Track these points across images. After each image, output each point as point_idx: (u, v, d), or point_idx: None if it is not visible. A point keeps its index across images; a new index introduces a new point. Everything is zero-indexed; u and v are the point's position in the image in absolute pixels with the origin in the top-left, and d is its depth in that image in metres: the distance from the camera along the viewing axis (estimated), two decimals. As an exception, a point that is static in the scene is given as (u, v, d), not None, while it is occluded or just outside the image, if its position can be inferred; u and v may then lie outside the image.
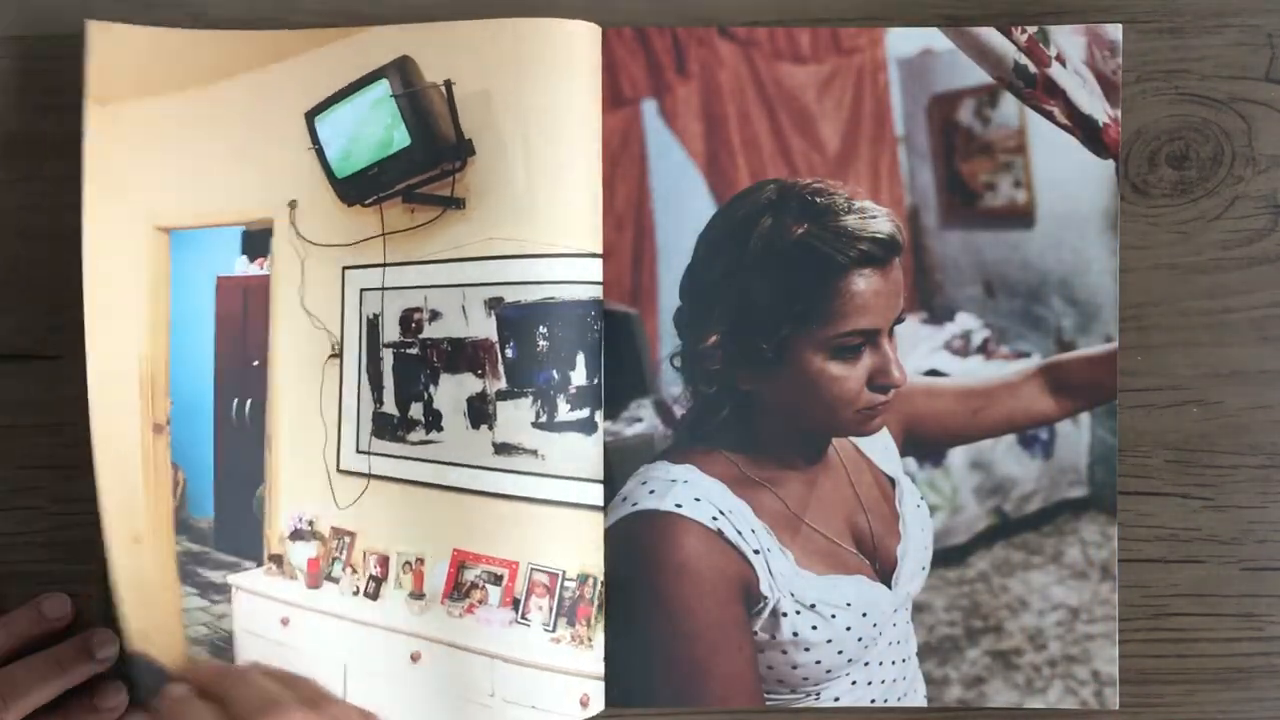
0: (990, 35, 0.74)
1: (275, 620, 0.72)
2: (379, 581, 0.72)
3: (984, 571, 0.74)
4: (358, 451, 0.73)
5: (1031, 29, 0.74)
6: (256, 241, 0.73)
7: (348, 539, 0.72)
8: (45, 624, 0.71)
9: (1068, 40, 0.74)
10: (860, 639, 0.73)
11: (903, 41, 0.75)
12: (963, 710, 0.74)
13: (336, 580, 0.72)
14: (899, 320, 0.73)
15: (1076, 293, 0.74)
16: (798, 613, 0.72)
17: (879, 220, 0.73)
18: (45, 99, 0.75)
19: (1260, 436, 0.73)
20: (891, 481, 0.75)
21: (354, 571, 0.72)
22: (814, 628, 0.72)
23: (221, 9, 0.75)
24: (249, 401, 0.73)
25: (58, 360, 0.74)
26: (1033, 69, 0.74)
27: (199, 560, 0.72)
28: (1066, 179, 0.74)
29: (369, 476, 0.73)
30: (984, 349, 0.75)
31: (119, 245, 0.72)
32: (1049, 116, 0.74)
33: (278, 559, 0.72)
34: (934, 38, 0.74)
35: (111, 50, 0.72)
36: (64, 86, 0.74)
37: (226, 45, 0.73)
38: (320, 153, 0.73)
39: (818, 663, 0.73)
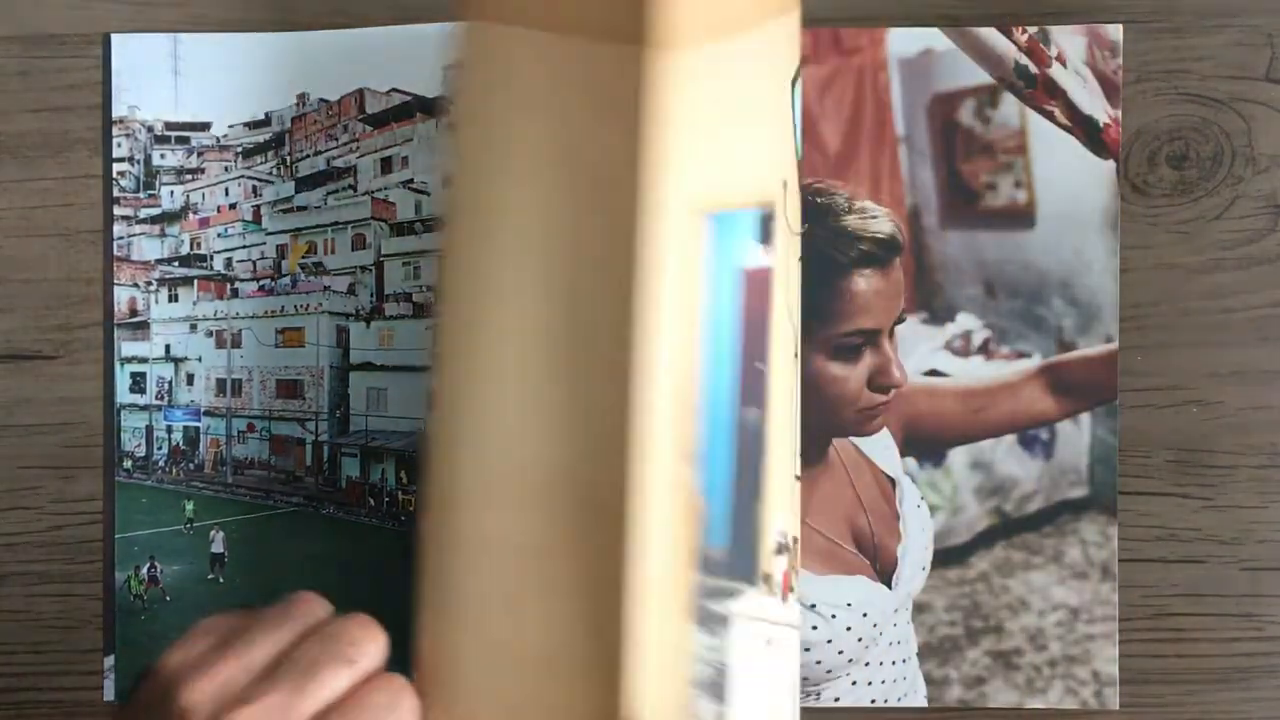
0: (991, 35, 0.74)
1: (762, 642, 0.65)
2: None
3: (984, 572, 0.74)
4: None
5: (1032, 29, 0.74)
6: (764, 227, 0.63)
7: (797, 547, 0.68)
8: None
9: (1068, 40, 0.74)
10: (860, 639, 0.73)
11: (903, 41, 0.75)
12: (963, 710, 0.74)
13: (794, 590, 0.67)
14: (899, 320, 0.74)
15: (1077, 293, 0.74)
16: (798, 613, 0.72)
17: (879, 220, 0.74)
18: (48, 99, 0.75)
19: (1260, 436, 0.73)
20: (892, 482, 0.75)
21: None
22: (814, 628, 0.73)
23: (222, 9, 0.75)
24: (755, 411, 0.63)
25: (58, 360, 0.74)
26: (1033, 69, 0.74)
27: (710, 594, 0.63)
28: (1067, 179, 0.74)
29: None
30: (985, 349, 0.75)
31: (662, 232, 0.58)
32: (1049, 117, 0.74)
33: (768, 578, 0.65)
34: (934, 38, 0.74)
35: None
36: (67, 87, 0.74)
37: None
38: (796, 130, 0.66)
39: (818, 663, 0.73)
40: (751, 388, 0.63)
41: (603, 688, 0.59)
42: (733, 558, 0.64)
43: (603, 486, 0.58)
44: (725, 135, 0.61)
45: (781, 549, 0.68)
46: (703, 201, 0.60)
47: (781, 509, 0.67)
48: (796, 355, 0.67)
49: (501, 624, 0.61)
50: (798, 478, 0.69)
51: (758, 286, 0.63)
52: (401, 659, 0.61)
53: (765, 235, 0.63)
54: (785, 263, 0.65)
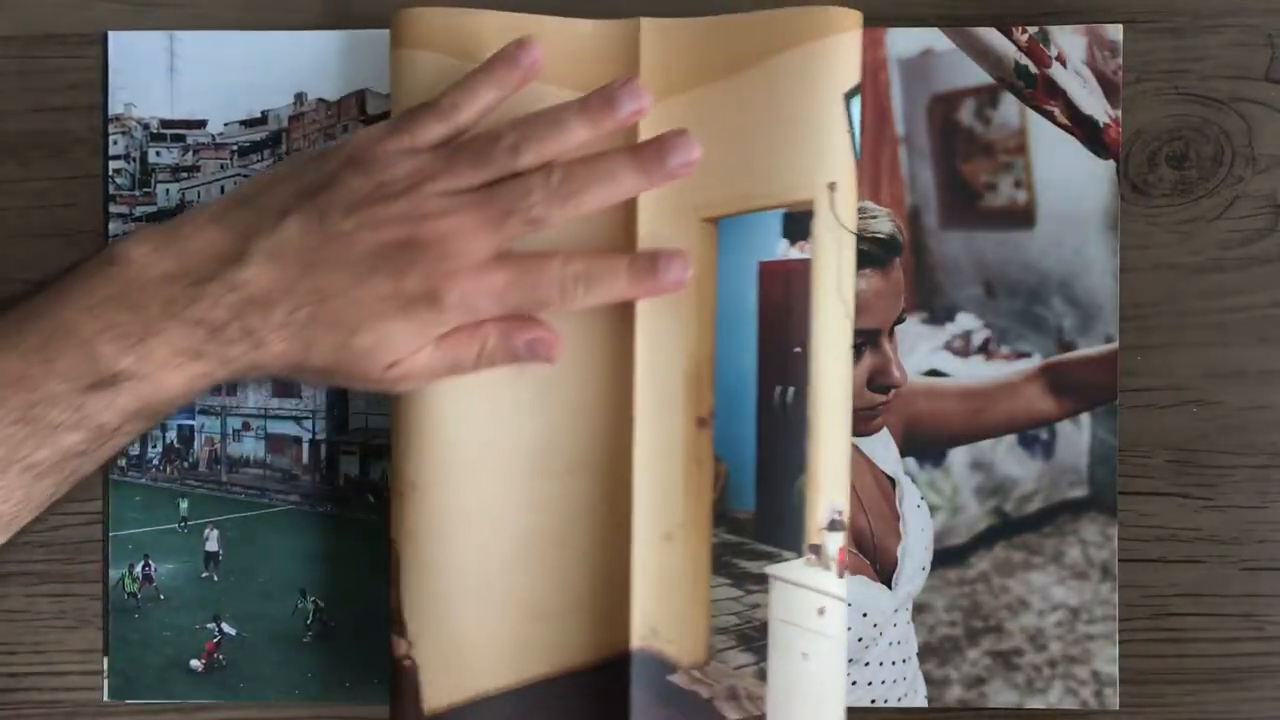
0: (991, 35, 0.74)
1: (813, 610, 0.70)
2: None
3: (984, 572, 0.74)
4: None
5: (1032, 29, 0.74)
6: (797, 224, 0.70)
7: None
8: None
9: (1068, 40, 0.74)
10: (860, 639, 0.73)
11: (903, 41, 0.75)
12: (963, 710, 0.74)
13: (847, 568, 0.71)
14: (899, 320, 0.74)
15: (1077, 293, 0.74)
16: (798, 613, 0.72)
17: (879, 220, 0.74)
18: (48, 99, 0.75)
19: (1260, 436, 0.73)
20: (892, 481, 0.75)
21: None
22: (814, 628, 0.73)
23: (224, 9, 0.75)
24: (790, 390, 0.70)
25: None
26: (1033, 69, 0.74)
27: (736, 551, 0.70)
28: (1067, 179, 0.74)
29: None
30: (984, 349, 0.75)
31: (669, 240, 0.69)
32: (1049, 117, 0.74)
33: (816, 549, 0.70)
34: (934, 38, 0.74)
35: (663, 44, 0.70)
36: (66, 87, 0.74)
37: (771, 23, 0.70)
38: (854, 136, 0.70)
39: (818, 663, 0.73)
40: (783, 369, 0.70)
41: (610, 622, 0.69)
42: (766, 522, 0.70)
43: (611, 450, 0.70)
44: (734, 152, 0.69)
45: (836, 525, 0.69)
46: (710, 210, 0.70)
47: (836, 488, 0.70)
48: (858, 343, 0.71)
49: (490, 577, 0.70)
50: None
51: (780, 278, 0.70)
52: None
53: (796, 232, 0.69)
54: (834, 257, 0.69)
